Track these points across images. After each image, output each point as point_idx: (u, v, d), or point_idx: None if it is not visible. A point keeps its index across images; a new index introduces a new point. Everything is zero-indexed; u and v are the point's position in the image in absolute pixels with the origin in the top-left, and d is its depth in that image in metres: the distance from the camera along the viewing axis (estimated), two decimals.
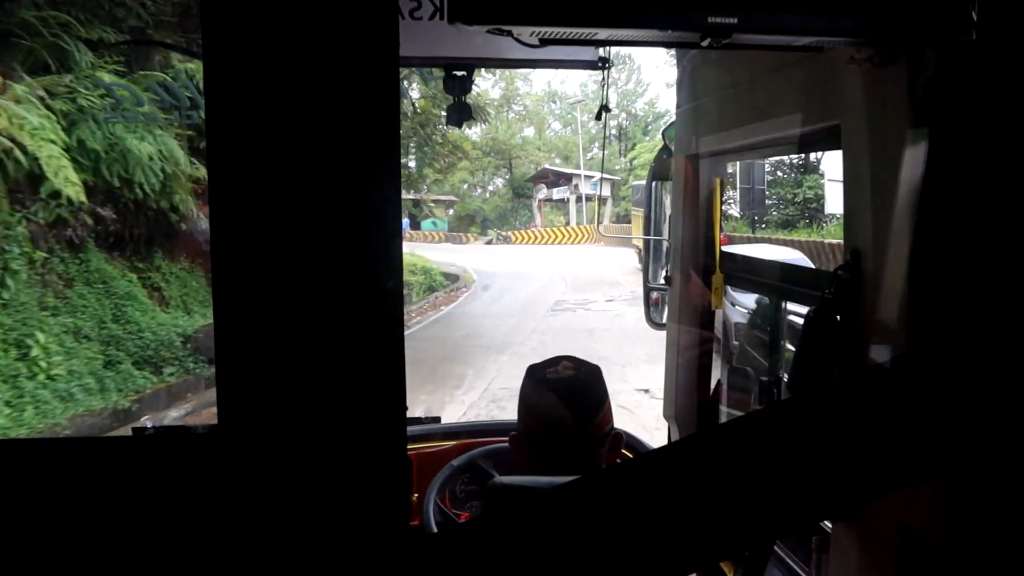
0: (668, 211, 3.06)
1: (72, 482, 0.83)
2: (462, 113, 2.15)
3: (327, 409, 0.81)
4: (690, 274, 2.40)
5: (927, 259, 1.24)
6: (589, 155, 46.27)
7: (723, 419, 2.49)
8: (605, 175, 42.46)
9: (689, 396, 2.49)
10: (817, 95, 1.50)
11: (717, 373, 2.50)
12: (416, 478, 2.32)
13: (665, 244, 3.09)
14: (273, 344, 0.80)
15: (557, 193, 44.06)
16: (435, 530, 2.06)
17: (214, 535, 0.82)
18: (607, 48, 2.12)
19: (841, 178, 1.43)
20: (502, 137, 47.66)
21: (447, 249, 34.85)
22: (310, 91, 0.76)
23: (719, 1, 0.85)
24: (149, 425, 3.41)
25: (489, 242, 40.84)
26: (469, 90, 2.15)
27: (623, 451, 1.67)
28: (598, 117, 2.27)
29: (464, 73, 2.16)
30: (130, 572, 0.83)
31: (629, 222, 39.72)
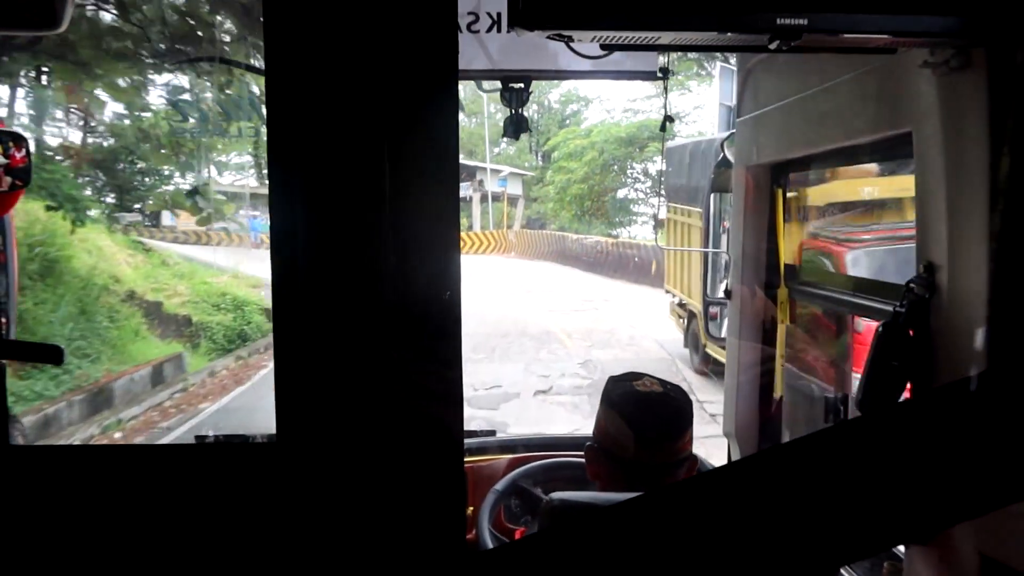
0: (727, 223, 3.01)
1: (134, 487, 0.84)
2: (519, 125, 2.15)
3: (384, 421, 0.80)
4: (752, 288, 2.35)
5: (1007, 271, 1.18)
6: (497, 149, 39.13)
7: (786, 438, 2.42)
8: (514, 169, 35.65)
9: (750, 413, 2.43)
10: (888, 102, 1.45)
11: (779, 389, 2.44)
12: (471, 492, 2.31)
13: (724, 257, 3.04)
14: (330, 356, 0.79)
15: None
16: (490, 545, 2.04)
17: (271, 544, 0.82)
18: (668, 57, 2.10)
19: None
20: None
21: None
22: (371, 103, 0.76)
23: (789, 1, 0.82)
24: (211, 434, 3.48)
25: None
26: (526, 102, 2.14)
27: None
28: (662, 129, 2.24)
29: (521, 85, 2.16)
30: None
31: (543, 227, 33.20)
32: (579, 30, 0.80)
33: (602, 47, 0.88)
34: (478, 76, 2.23)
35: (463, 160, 36.21)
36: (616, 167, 30.58)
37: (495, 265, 25.43)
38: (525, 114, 2.17)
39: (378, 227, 0.78)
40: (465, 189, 33.97)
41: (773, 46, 0.86)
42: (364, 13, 0.75)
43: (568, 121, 39.11)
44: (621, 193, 31.44)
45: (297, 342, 0.80)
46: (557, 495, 1.42)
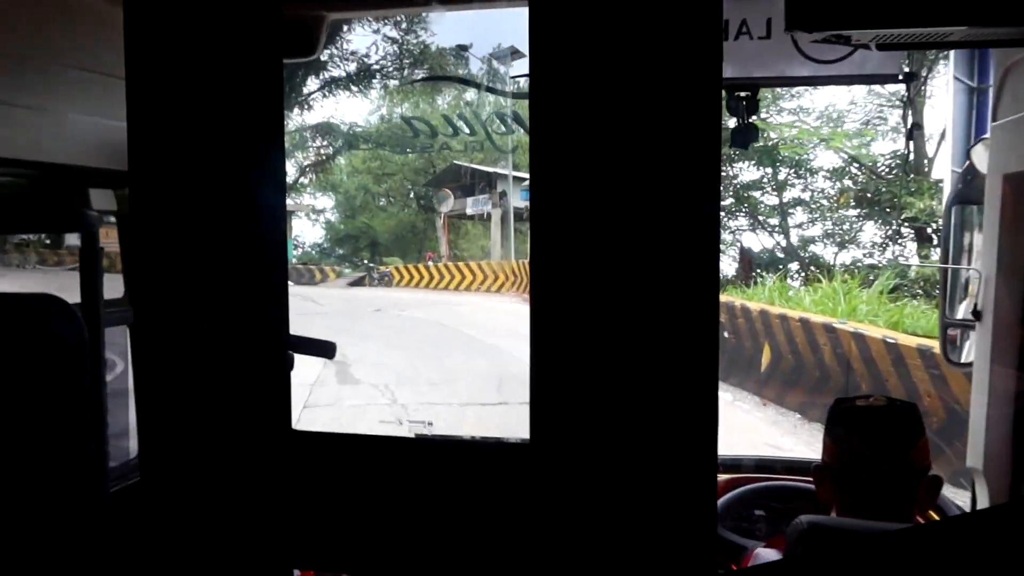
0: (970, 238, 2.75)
1: (397, 473, 0.91)
2: (747, 135, 2.09)
3: (636, 429, 0.81)
4: (1010, 308, 2.12)
5: None
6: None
7: None
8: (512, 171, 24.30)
9: (1003, 447, 2.19)
10: None
11: None
12: None
13: (968, 274, 2.77)
14: (584, 362, 0.81)
15: (473, 206, 25.83)
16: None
17: (521, 540, 0.85)
18: (911, 59, 1.95)
19: None
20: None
21: None
22: (635, 111, 0.78)
23: None
24: (428, 428, 3.65)
25: (359, 282, 24.24)
26: (755, 112, 2.09)
27: None
28: (908, 138, 2.08)
29: (748, 94, 2.10)
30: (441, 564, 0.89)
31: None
32: (860, 29, 0.76)
33: (879, 48, 0.84)
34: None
35: (477, 166, 26.29)
36: None
37: (506, 315, 15.18)
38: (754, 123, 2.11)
39: (636, 226, 0.79)
40: (482, 204, 25.69)
41: None
42: (629, 23, 0.76)
43: None
44: None
45: (553, 348, 0.83)
46: (806, 517, 1.39)
